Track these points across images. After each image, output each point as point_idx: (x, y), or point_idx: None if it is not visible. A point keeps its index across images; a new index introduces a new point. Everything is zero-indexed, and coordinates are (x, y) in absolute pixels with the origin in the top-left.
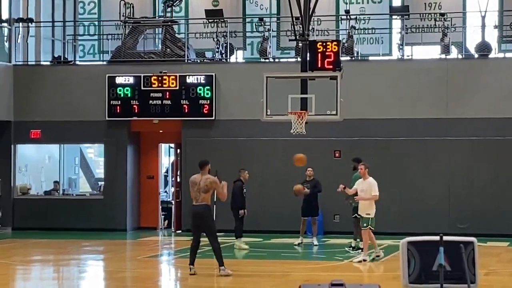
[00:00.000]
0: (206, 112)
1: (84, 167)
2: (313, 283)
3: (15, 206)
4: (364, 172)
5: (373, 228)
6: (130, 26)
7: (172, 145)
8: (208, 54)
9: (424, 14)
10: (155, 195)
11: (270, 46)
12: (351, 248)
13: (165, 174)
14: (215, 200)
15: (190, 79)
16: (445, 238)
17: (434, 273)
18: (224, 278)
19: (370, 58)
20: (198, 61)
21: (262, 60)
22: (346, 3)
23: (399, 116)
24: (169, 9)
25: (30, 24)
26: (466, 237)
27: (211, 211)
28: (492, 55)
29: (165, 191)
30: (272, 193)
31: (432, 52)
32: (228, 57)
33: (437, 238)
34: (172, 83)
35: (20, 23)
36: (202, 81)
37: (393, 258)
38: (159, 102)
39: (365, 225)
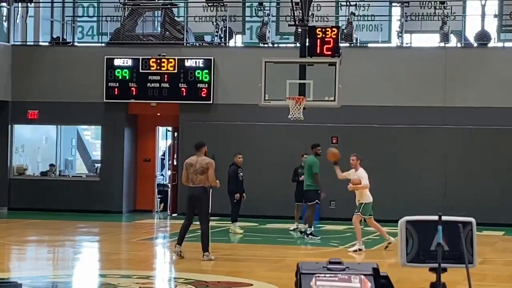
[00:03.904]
0: (204, 95)
1: (81, 148)
2: None
3: (11, 186)
4: (356, 164)
5: (365, 216)
6: (130, 8)
7: (170, 128)
8: (207, 38)
9: (424, 2)
10: (152, 178)
11: (269, 31)
12: (299, 232)
13: (162, 157)
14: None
15: (188, 63)
16: (444, 218)
17: (432, 252)
18: (219, 262)
19: (369, 45)
20: (197, 45)
21: (261, 44)
22: None
23: (397, 103)
24: None
25: (29, 4)
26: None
27: (208, 193)
28: (491, 44)
29: (162, 174)
30: (269, 178)
31: (431, 40)
32: (227, 41)
33: (435, 217)
34: (171, 66)
35: (19, 3)
36: (201, 65)
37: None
38: (157, 85)
39: (356, 211)
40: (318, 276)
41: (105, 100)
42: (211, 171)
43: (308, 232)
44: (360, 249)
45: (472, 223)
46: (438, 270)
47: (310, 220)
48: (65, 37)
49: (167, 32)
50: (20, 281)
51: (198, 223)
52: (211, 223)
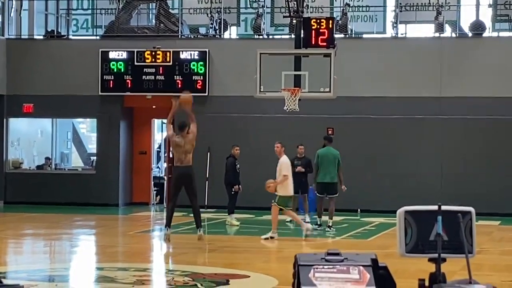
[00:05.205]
0: (199, 88)
1: (77, 142)
2: None
3: (7, 180)
4: (280, 151)
5: (276, 205)
6: (124, 1)
7: (165, 120)
8: (202, 30)
9: None
10: (148, 171)
11: (264, 23)
12: (328, 227)
13: (158, 149)
14: (207, 176)
15: (183, 55)
16: (443, 207)
17: (431, 242)
18: (216, 254)
19: (364, 36)
20: (192, 37)
21: (256, 36)
22: None
23: (393, 94)
24: None
25: None
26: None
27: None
28: (486, 34)
29: (158, 167)
30: (265, 170)
31: (426, 30)
32: (222, 33)
33: (435, 207)
34: (166, 59)
35: None
36: (196, 57)
37: (385, 236)
38: (152, 77)
39: (273, 201)
40: (317, 268)
41: (100, 93)
42: (193, 121)
43: (330, 224)
44: (272, 237)
45: (471, 212)
46: (438, 260)
47: (332, 212)
48: (59, 30)
49: (162, 25)
50: (17, 274)
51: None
52: (208, 215)
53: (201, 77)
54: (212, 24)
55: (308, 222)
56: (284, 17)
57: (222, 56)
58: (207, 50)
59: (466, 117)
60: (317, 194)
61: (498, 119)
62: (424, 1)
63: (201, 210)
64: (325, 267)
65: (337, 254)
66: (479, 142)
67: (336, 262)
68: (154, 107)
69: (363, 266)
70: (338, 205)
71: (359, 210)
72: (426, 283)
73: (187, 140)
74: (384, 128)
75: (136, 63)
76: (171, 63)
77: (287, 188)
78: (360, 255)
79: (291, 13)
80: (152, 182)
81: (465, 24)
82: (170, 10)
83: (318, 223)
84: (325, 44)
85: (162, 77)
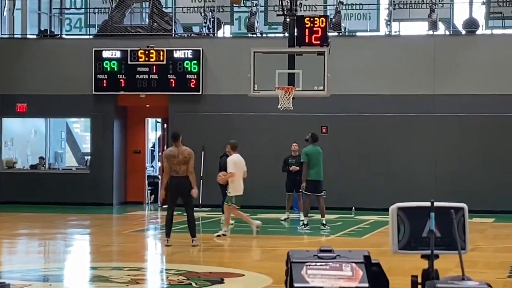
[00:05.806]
0: (193, 86)
1: (70, 141)
2: None
3: (1, 180)
4: (230, 149)
5: (235, 206)
6: (117, 0)
7: (159, 119)
8: (196, 29)
9: None
10: (142, 170)
11: (257, 21)
12: (323, 225)
13: (152, 149)
14: (201, 175)
15: (177, 54)
16: (436, 204)
17: (424, 239)
18: (210, 253)
19: (358, 34)
20: (185, 36)
21: (250, 35)
22: None
23: (386, 92)
24: None
25: None
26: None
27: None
28: (479, 31)
29: (152, 166)
30: (259, 169)
31: (419, 28)
32: (216, 31)
33: (427, 204)
34: (159, 58)
35: None
36: (189, 56)
37: (379, 233)
38: (146, 76)
39: (229, 203)
40: (309, 265)
41: (94, 92)
42: (192, 162)
43: (324, 223)
44: (224, 234)
45: (464, 208)
46: (431, 257)
47: (323, 210)
48: (52, 30)
49: (155, 24)
50: (11, 274)
51: (179, 212)
52: (202, 214)
53: (195, 76)
54: (205, 22)
55: (302, 221)
56: (277, 15)
57: (216, 54)
58: (200, 49)
59: (460, 115)
60: (306, 192)
61: (492, 116)
62: None
63: (195, 208)
64: (318, 264)
65: (330, 251)
66: (473, 139)
67: (329, 259)
68: (148, 106)
69: (355, 263)
70: (333, 203)
71: (353, 208)
72: (419, 280)
73: (181, 151)
74: (378, 126)
75: (129, 62)
76: (164, 62)
77: (239, 188)
78: (353, 252)
79: (285, 12)
80: (146, 181)
81: (459, 21)
82: (163, 9)
83: (305, 222)
84: (318, 42)
85: (155, 76)
